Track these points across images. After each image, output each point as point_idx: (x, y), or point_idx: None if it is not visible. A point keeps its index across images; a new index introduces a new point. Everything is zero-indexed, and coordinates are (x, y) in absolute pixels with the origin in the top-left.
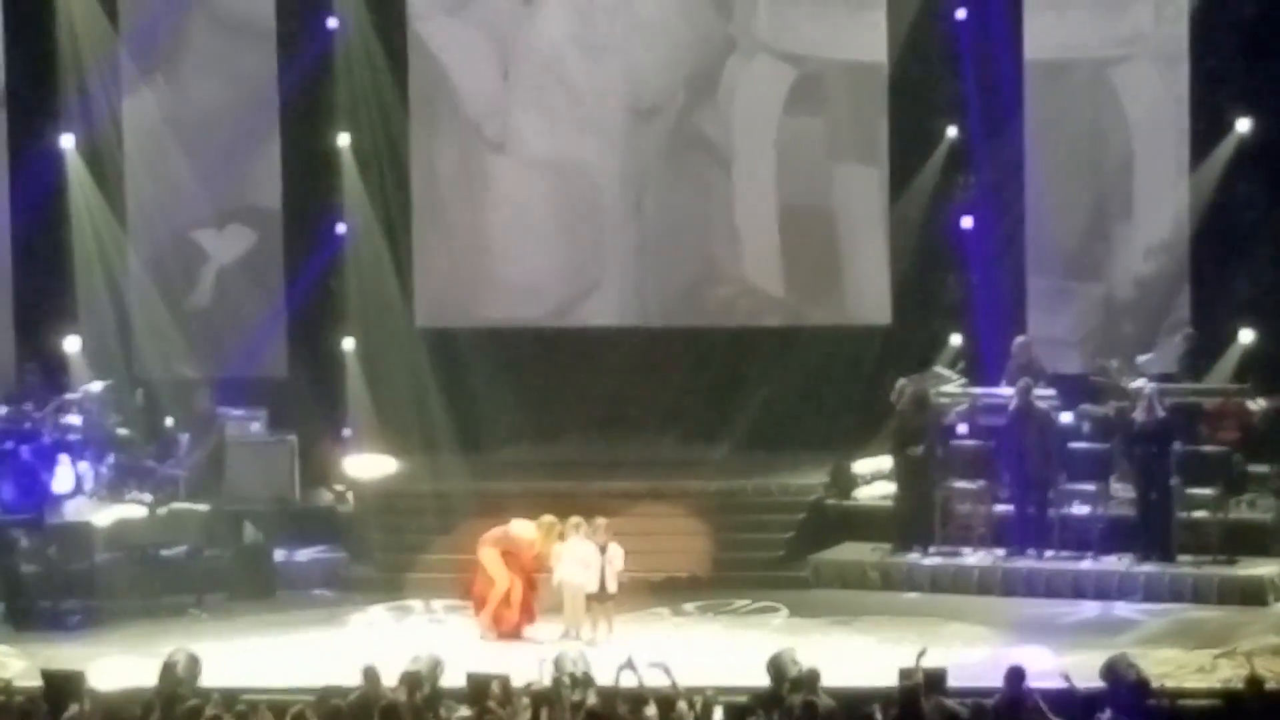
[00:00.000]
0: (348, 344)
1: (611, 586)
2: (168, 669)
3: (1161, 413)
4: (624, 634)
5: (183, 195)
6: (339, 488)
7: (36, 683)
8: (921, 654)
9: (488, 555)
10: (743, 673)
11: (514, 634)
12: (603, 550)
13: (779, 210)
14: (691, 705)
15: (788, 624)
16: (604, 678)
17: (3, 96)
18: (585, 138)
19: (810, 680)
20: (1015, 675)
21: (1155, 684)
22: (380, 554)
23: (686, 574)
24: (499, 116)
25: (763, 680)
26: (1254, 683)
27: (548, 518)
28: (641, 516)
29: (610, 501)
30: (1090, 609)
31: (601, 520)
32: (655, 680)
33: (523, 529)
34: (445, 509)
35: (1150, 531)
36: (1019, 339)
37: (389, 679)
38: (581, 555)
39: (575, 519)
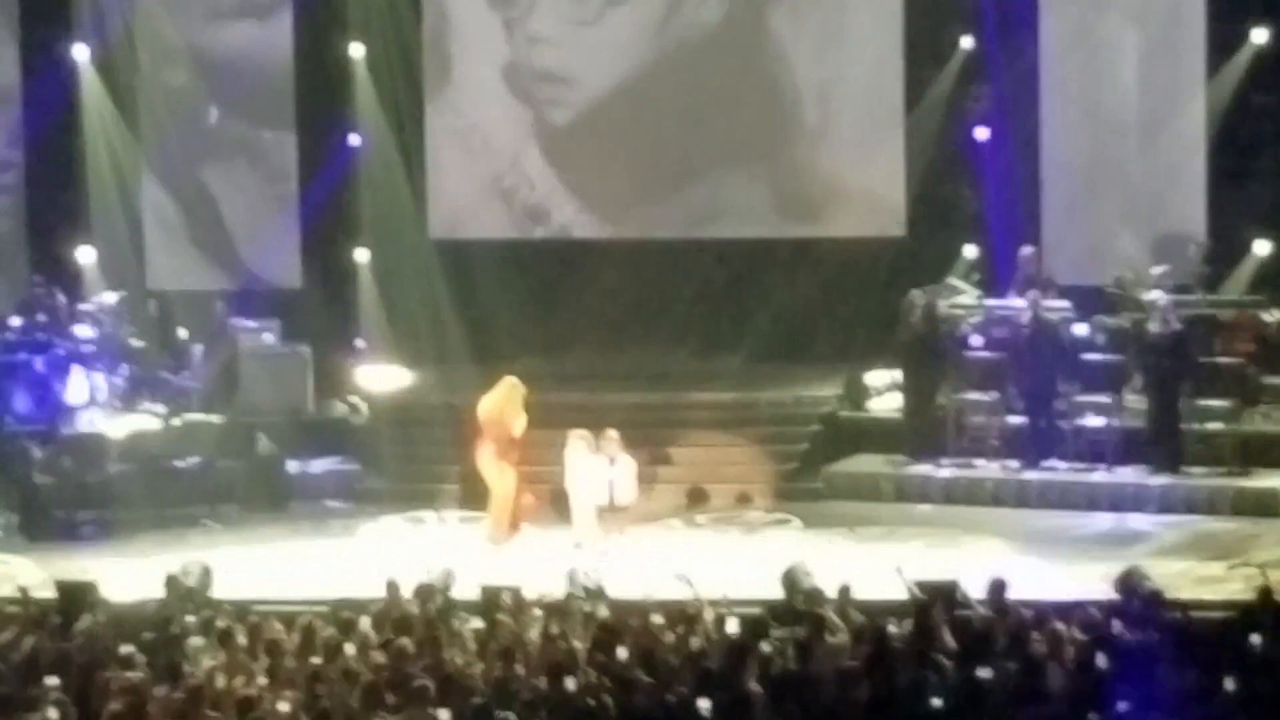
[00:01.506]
0: (361, 255)
1: (622, 498)
2: (178, 580)
3: (1176, 325)
4: (638, 546)
5: (195, 104)
6: (352, 399)
7: (50, 593)
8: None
9: (482, 460)
10: (756, 585)
11: (522, 525)
12: (612, 462)
13: (795, 121)
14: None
15: (801, 536)
16: (616, 589)
17: (17, 7)
18: (599, 47)
19: (820, 596)
20: (997, 587)
21: (1168, 596)
22: (393, 465)
23: (699, 485)
24: (514, 26)
25: (776, 592)
26: (1266, 594)
27: (508, 378)
28: (654, 428)
29: (622, 414)
30: (1104, 521)
31: (612, 432)
32: (673, 592)
33: (486, 402)
34: (458, 420)
35: (1164, 443)
36: (1024, 250)
37: (403, 590)
38: (589, 467)
39: (580, 430)
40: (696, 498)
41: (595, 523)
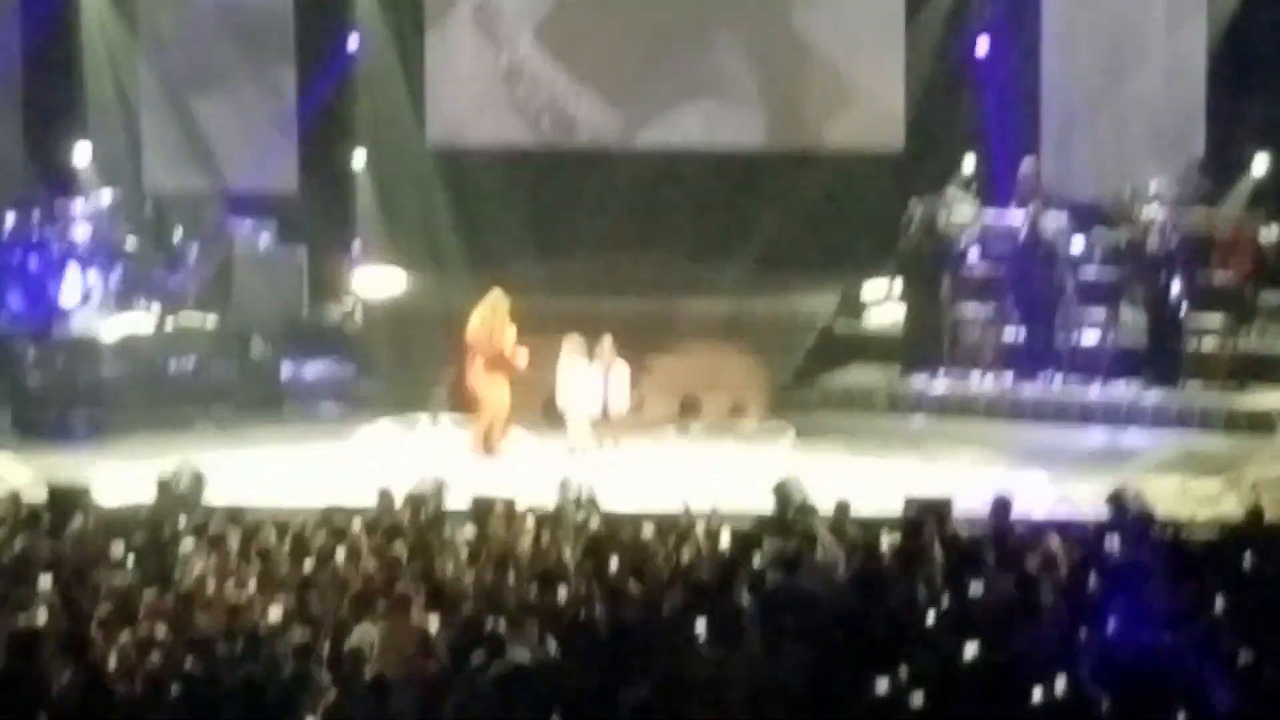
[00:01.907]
0: (358, 159)
1: (616, 407)
2: (170, 484)
3: (1173, 240)
4: (631, 456)
5: (193, 4)
6: (348, 302)
7: (42, 493)
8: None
9: (473, 377)
10: (749, 497)
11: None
12: (606, 369)
13: (793, 31)
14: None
15: (795, 446)
16: (609, 500)
17: None
18: None
19: (812, 509)
20: (1001, 505)
21: (1159, 515)
22: (388, 369)
23: (689, 397)
24: None
25: (769, 505)
26: (1255, 514)
27: (494, 292)
28: (649, 335)
29: (618, 321)
30: (1098, 435)
31: (606, 339)
32: (664, 505)
33: (473, 320)
34: (453, 325)
35: (1159, 358)
36: (1025, 161)
37: (395, 499)
38: (583, 375)
39: (574, 337)
40: (690, 407)
41: (589, 430)
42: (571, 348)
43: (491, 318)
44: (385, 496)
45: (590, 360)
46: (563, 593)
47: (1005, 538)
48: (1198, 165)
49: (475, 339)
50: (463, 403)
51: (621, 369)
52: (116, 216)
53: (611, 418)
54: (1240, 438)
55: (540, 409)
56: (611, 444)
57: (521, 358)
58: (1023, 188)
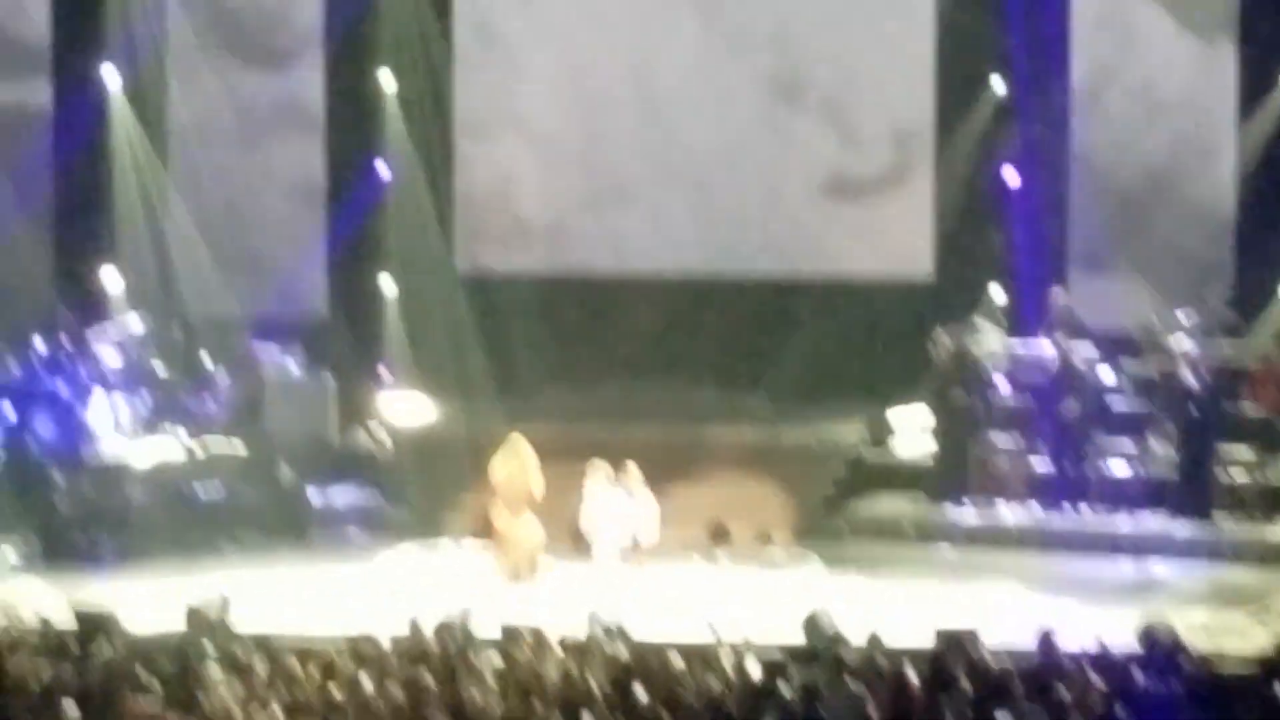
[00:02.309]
0: (386, 284)
1: (642, 535)
2: (199, 612)
3: (1202, 372)
4: (658, 584)
5: (225, 130)
6: (375, 428)
7: (69, 620)
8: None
9: (499, 520)
10: (776, 625)
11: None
12: (631, 495)
13: (823, 161)
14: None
15: (822, 574)
16: (636, 628)
17: (48, 30)
18: (629, 79)
19: (841, 641)
20: (1047, 639)
21: (1190, 646)
22: (415, 496)
23: (717, 524)
24: (548, 52)
25: (797, 634)
26: None
27: (514, 436)
28: (675, 463)
29: (644, 448)
30: (1127, 566)
31: (630, 464)
32: (694, 634)
33: (495, 464)
34: (480, 452)
35: (1189, 490)
36: (1054, 291)
37: (423, 624)
38: (607, 500)
39: (597, 461)
40: (717, 534)
41: (615, 557)
42: (596, 473)
43: (513, 461)
44: (415, 626)
45: (616, 486)
46: None
47: (1047, 671)
48: (1226, 297)
49: (499, 484)
50: (488, 535)
51: (647, 495)
52: (145, 342)
53: (637, 544)
54: (1271, 570)
55: (566, 534)
56: (637, 570)
57: (539, 490)
58: (1052, 318)
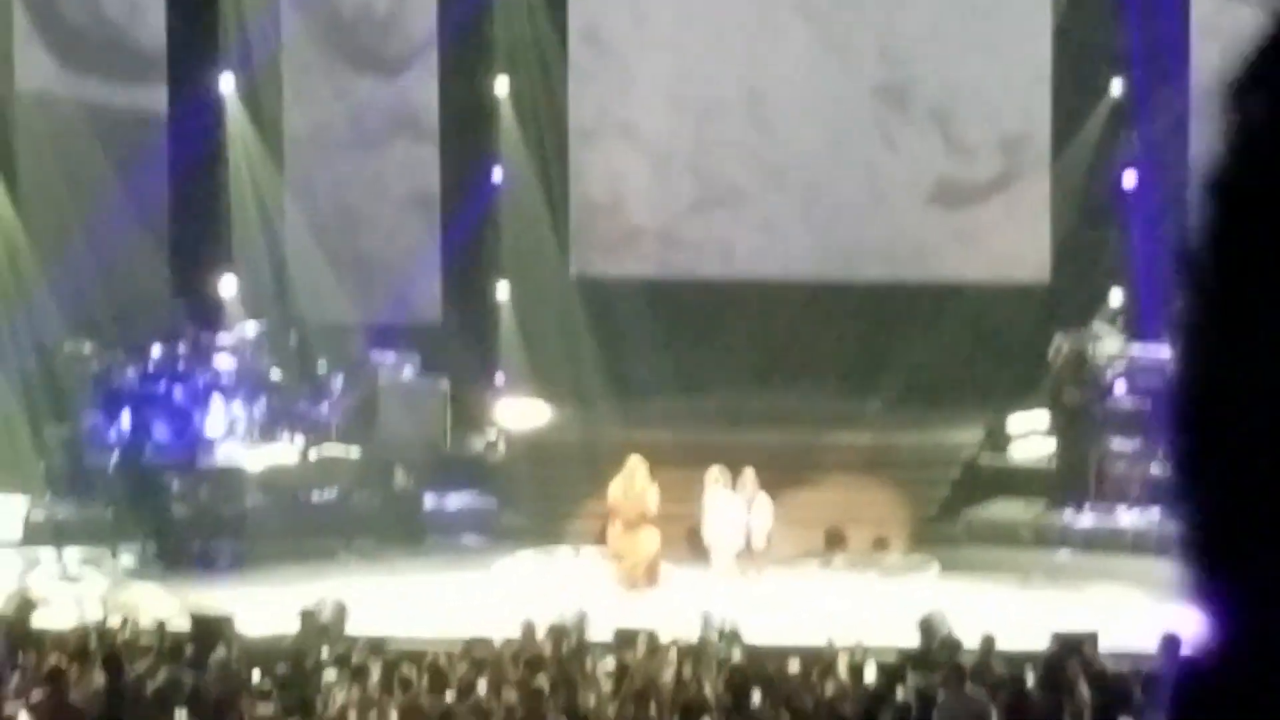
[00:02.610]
0: (502, 290)
1: (759, 542)
2: (313, 615)
3: None
4: (774, 589)
5: (340, 139)
6: (490, 434)
7: (185, 624)
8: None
9: (617, 539)
10: (893, 630)
11: (647, 585)
12: (749, 502)
13: (941, 165)
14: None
15: (939, 579)
16: (752, 633)
17: (164, 38)
18: (743, 65)
19: (956, 644)
20: (1172, 644)
21: None
22: (530, 502)
23: (833, 529)
24: (659, 59)
25: (913, 638)
26: None
27: (633, 458)
28: (792, 469)
29: (761, 454)
30: None
31: (749, 471)
32: (808, 637)
33: (614, 486)
34: (595, 458)
35: None
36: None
37: (538, 630)
38: (726, 507)
39: (716, 470)
40: (834, 540)
41: (732, 562)
42: (715, 480)
43: (631, 483)
44: (528, 628)
45: (733, 493)
46: None
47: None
48: None
49: (616, 505)
50: (606, 544)
51: (764, 501)
52: (261, 348)
53: (754, 550)
54: None
55: (685, 541)
56: (755, 576)
57: (655, 508)
58: (1170, 321)
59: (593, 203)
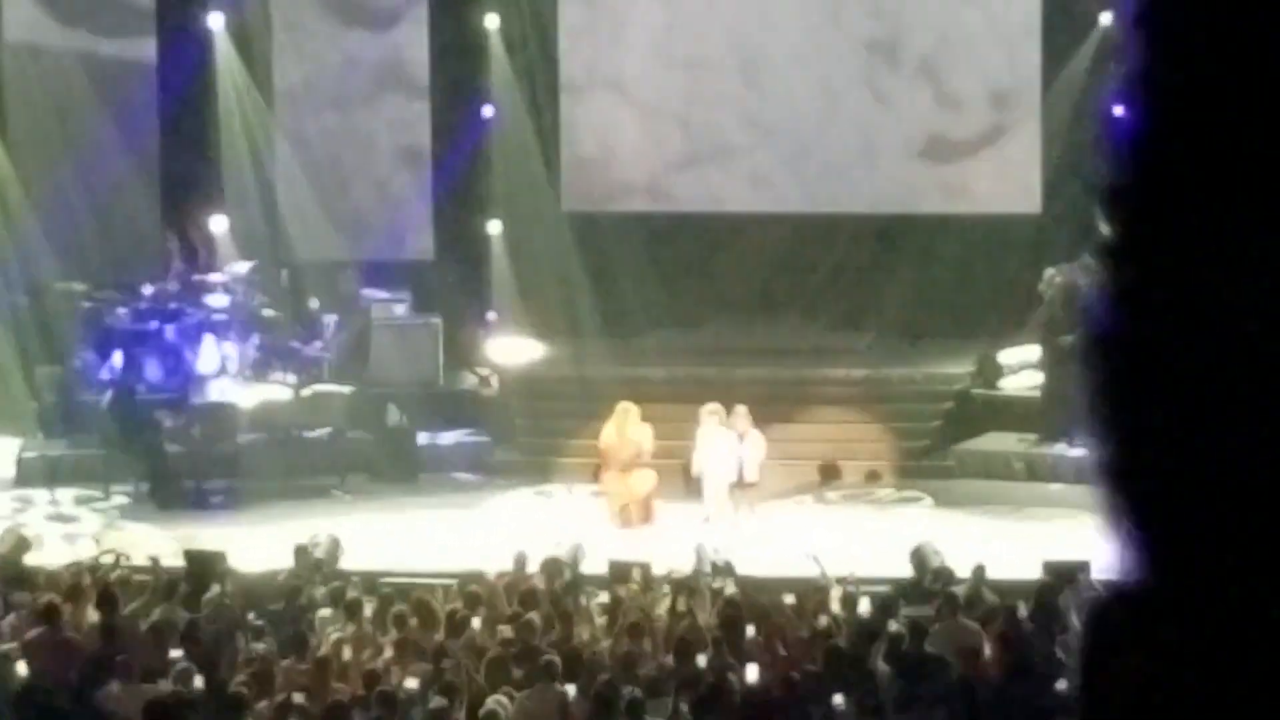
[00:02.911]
0: (493, 227)
1: (751, 475)
2: (306, 551)
3: None
4: (768, 522)
5: (329, 77)
6: (483, 371)
7: (179, 562)
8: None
9: (611, 483)
10: (886, 563)
11: (641, 524)
12: (742, 438)
13: (930, 97)
14: (838, 595)
15: (931, 513)
16: (745, 566)
17: None
18: (734, 18)
19: (950, 574)
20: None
21: None
22: (523, 438)
23: (828, 463)
24: (649, 11)
25: (906, 571)
26: None
27: (623, 403)
28: (785, 403)
29: (754, 388)
30: None
31: (741, 407)
32: (804, 570)
33: (606, 432)
34: (589, 394)
35: None
36: None
37: (531, 564)
38: (720, 443)
39: (712, 405)
40: (829, 473)
41: (725, 498)
42: (710, 416)
43: (623, 425)
44: (519, 560)
45: (727, 429)
46: (700, 660)
47: None
48: None
49: (609, 448)
50: (600, 482)
51: (757, 438)
52: (253, 286)
53: (747, 486)
54: None
55: (679, 477)
56: (748, 512)
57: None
58: None
59: (583, 156)
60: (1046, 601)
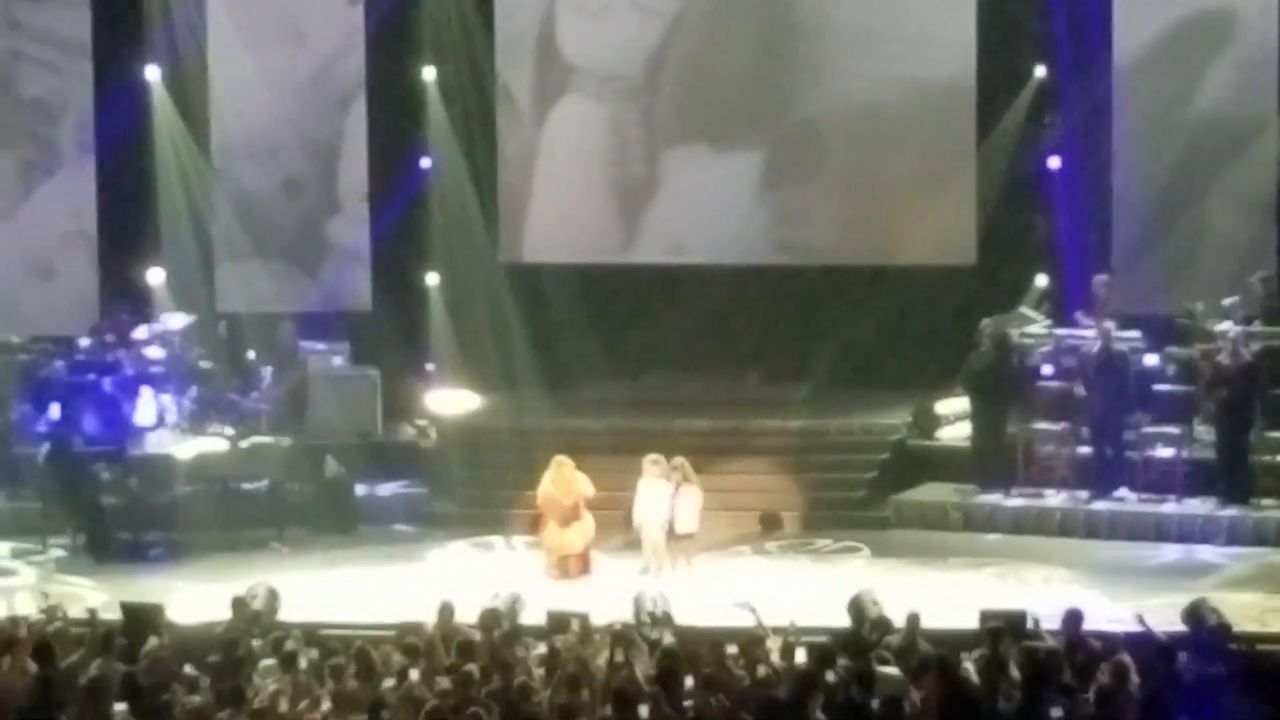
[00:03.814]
0: (431, 279)
1: (687, 526)
2: (244, 603)
3: (1246, 356)
4: (706, 573)
5: (266, 128)
6: (421, 423)
7: (116, 614)
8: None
9: (551, 536)
10: (824, 613)
11: (579, 575)
12: (677, 488)
13: (866, 149)
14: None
15: (869, 564)
16: (683, 617)
17: (89, 28)
18: (668, 70)
19: (886, 625)
20: (1073, 618)
21: (1235, 629)
22: (461, 490)
23: (768, 513)
24: (587, 47)
25: (844, 621)
26: None
27: (558, 457)
28: (723, 455)
29: (692, 440)
30: (1172, 552)
31: (679, 459)
32: (740, 620)
33: (543, 487)
34: (527, 445)
35: (1233, 475)
36: (1098, 279)
37: (469, 615)
38: (656, 493)
39: (654, 455)
40: (768, 524)
41: (662, 550)
42: (651, 466)
43: (559, 479)
44: (445, 610)
45: (659, 480)
46: (642, 710)
47: (1078, 652)
48: (1268, 281)
49: (547, 500)
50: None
51: (693, 491)
52: (190, 338)
53: (681, 538)
54: None
55: (620, 527)
56: (685, 564)
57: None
58: (1096, 304)
59: (520, 207)
60: (985, 651)
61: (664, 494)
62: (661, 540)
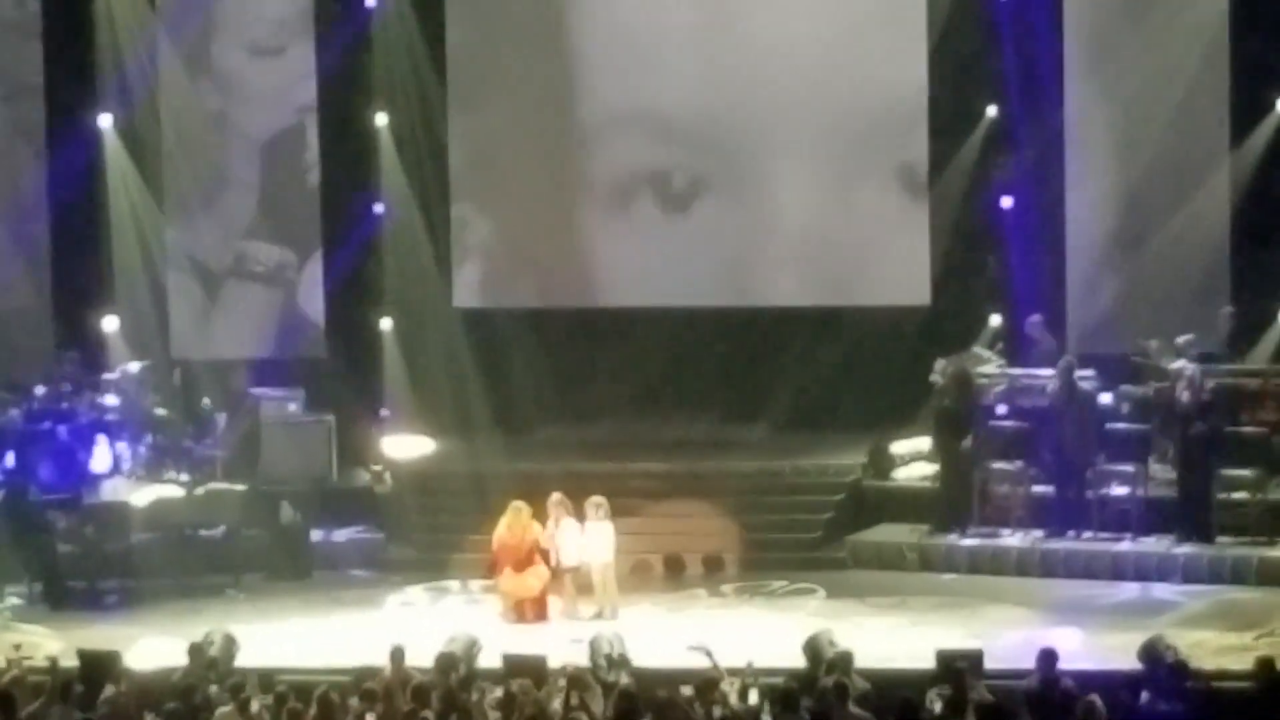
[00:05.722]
0: (385, 324)
1: (600, 557)
2: (201, 649)
3: (1202, 394)
4: (662, 616)
5: (220, 174)
6: (376, 468)
7: (73, 662)
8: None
9: (507, 582)
10: (780, 654)
11: (535, 620)
12: (583, 526)
13: (818, 190)
14: (734, 687)
15: (825, 605)
16: (640, 659)
17: (42, 76)
18: (622, 116)
19: (845, 662)
20: (1048, 657)
21: (1193, 666)
22: (417, 535)
23: (723, 555)
24: (537, 93)
25: (800, 662)
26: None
27: (514, 503)
28: (678, 497)
29: (648, 482)
30: (1129, 590)
31: (597, 498)
32: (696, 662)
33: (499, 532)
34: (482, 490)
35: (1189, 513)
36: (1032, 319)
37: (425, 660)
38: (572, 535)
39: (557, 496)
40: (717, 566)
41: (614, 587)
42: (557, 507)
43: (515, 525)
44: (396, 654)
45: (572, 520)
46: None
47: (1048, 691)
48: (1224, 317)
49: (502, 545)
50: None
51: (600, 526)
52: (145, 385)
53: (595, 577)
54: (1272, 590)
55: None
56: (609, 613)
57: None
58: (1030, 345)
59: (473, 251)
60: (941, 691)
61: (575, 534)
62: (611, 578)
